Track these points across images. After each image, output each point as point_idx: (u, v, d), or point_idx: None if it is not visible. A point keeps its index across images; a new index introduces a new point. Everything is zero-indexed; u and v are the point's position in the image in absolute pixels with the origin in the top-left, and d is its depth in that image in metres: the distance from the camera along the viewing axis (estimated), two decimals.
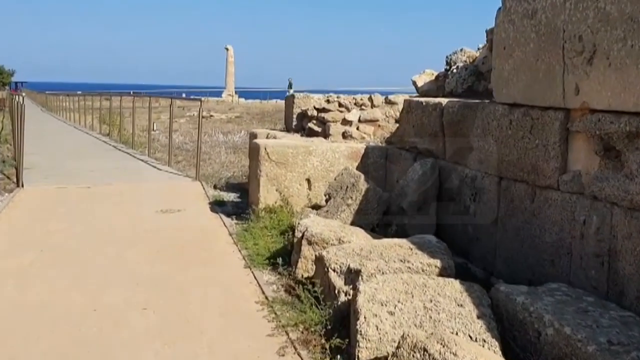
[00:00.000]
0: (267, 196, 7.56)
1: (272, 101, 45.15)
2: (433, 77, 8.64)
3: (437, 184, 6.31)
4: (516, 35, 5.03)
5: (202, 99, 41.56)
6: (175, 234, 7.18)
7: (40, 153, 14.35)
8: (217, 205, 8.85)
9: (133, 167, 12.57)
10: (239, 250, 6.51)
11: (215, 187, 10.62)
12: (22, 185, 9.94)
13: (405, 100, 7.29)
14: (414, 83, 8.81)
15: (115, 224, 7.58)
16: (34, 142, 15.53)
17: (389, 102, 8.65)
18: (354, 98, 8.85)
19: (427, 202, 6.25)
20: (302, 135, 9.12)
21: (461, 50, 7.81)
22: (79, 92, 29.97)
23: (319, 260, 4.87)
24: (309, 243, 5.43)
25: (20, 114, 11.54)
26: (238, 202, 9.28)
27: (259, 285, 5.41)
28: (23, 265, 5.89)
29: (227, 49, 49.60)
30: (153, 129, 22.45)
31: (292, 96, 9.52)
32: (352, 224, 6.24)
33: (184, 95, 44.01)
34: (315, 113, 9.03)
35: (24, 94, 33.56)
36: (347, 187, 6.48)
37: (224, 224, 7.74)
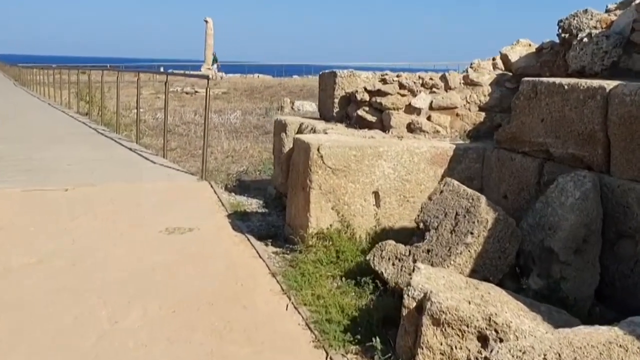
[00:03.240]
0: (320, 216, 5.38)
1: (254, 75, 43.25)
2: (533, 50, 6.45)
3: (601, 212, 4.15)
4: None
5: (181, 72, 39.12)
6: (195, 273, 4.98)
7: (5, 138, 11.96)
8: (240, 220, 6.63)
9: (120, 158, 10.24)
10: (295, 308, 4.34)
11: (226, 187, 8.40)
12: None
13: (525, 81, 5.09)
14: (504, 57, 6.62)
15: (106, 256, 5.33)
16: None
17: (470, 83, 6.45)
18: (419, 77, 6.65)
19: (588, 242, 4.10)
20: (347, 127, 6.90)
21: (585, 11, 5.62)
22: (54, 65, 27.27)
23: None
24: (437, 323, 3.27)
25: None
26: (264, 213, 7.08)
27: None
28: None
29: (206, 22, 47.26)
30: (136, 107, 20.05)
31: (333, 74, 7.28)
32: (473, 273, 4.09)
33: (162, 69, 41.72)
34: (366, 97, 6.80)
35: None
36: (456, 213, 4.31)
37: (258, 253, 5.54)
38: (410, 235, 5.37)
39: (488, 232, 4.09)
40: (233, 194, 8.02)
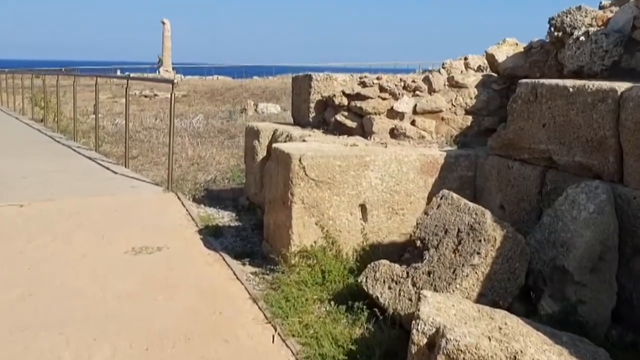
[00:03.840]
0: (302, 233, 4.93)
1: (214, 77, 42.70)
2: (521, 49, 6.11)
3: (617, 226, 3.80)
4: None
5: (137, 75, 38.23)
6: (167, 302, 4.48)
7: None
8: (212, 236, 6.15)
9: (79, 169, 9.62)
10: (283, 341, 3.89)
11: (194, 198, 7.90)
12: None
13: (523, 83, 4.72)
14: (490, 57, 6.27)
15: (67, 284, 4.80)
16: None
17: (455, 85, 6.08)
18: (401, 79, 6.26)
19: (605, 259, 3.75)
20: (325, 133, 6.47)
21: (579, 8, 5.29)
22: (6, 70, 26.22)
23: None
24: None
25: None
26: (238, 227, 6.60)
27: None
28: None
29: (163, 23, 46.46)
30: (94, 113, 19.27)
31: (308, 77, 6.84)
32: (480, 297, 3.70)
33: (118, 72, 40.79)
34: (345, 101, 6.37)
35: None
36: (458, 230, 3.91)
37: (235, 274, 5.08)
38: (400, 251, 4.98)
39: (496, 252, 3.70)
40: (202, 205, 7.53)
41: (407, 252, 4.56)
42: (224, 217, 6.96)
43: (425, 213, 4.23)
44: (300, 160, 4.88)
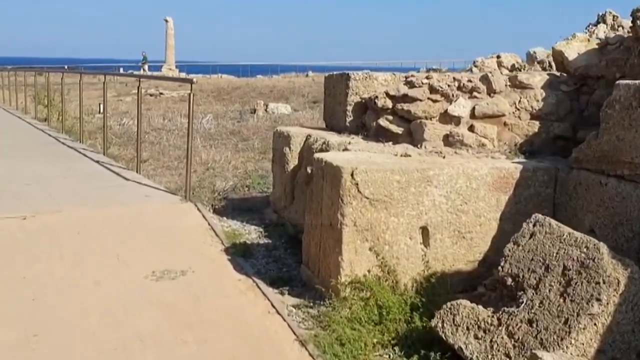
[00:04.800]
0: (354, 260, 4.19)
1: (218, 76, 42.06)
2: (594, 45, 5.36)
3: None
4: None
5: (138, 72, 37.54)
6: (199, 346, 3.74)
7: None
8: (241, 256, 5.42)
9: (87, 174, 8.86)
10: None
11: (214, 209, 7.16)
12: None
13: (623, 85, 3.96)
14: (558, 55, 5.52)
15: (77, 320, 4.06)
16: None
17: (518, 86, 5.33)
18: (454, 78, 5.52)
19: None
20: (365, 139, 5.73)
21: None
22: (9, 67, 25.47)
23: None
24: None
25: None
26: (268, 245, 5.88)
27: None
28: None
29: (166, 21, 45.84)
30: (99, 112, 18.53)
31: (344, 76, 6.09)
32: (599, 354, 2.95)
33: (121, 70, 40.16)
34: (389, 104, 5.63)
35: None
36: (563, 267, 3.17)
37: (274, 307, 4.34)
38: (467, 282, 4.26)
39: (620, 298, 2.96)
40: (224, 218, 6.79)
41: (482, 286, 3.84)
42: (251, 233, 6.23)
43: (515, 243, 3.48)
44: (352, 174, 4.13)
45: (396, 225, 4.23)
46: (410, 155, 4.88)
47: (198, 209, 6.86)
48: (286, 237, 6.03)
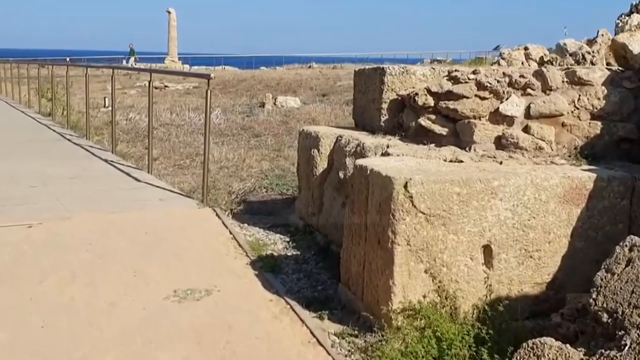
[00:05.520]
0: (407, 284, 3.67)
1: (222, 67, 41.55)
2: None
3: None
4: None
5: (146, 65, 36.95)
6: None
7: None
8: (269, 271, 4.90)
9: (96, 175, 8.33)
10: None
11: (232, 213, 6.66)
12: None
13: None
14: (620, 47, 4.98)
15: (92, 354, 3.54)
16: None
17: (577, 82, 4.79)
18: (504, 74, 4.98)
19: None
20: (402, 140, 5.20)
21: None
22: (11, 59, 24.91)
23: None
24: None
25: None
26: (297, 257, 5.38)
27: None
28: None
29: (169, 12, 45.31)
30: (105, 106, 18.00)
31: (378, 71, 5.55)
32: None
33: (123, 62, 39.62)
34: (431, 101, 5.10)
35: None
36: None
37: (314, 335, 3.82)
38: (533, 307, 3.75)
39: None
40: (245, 225, 6.30)
41: (558, 315, 3.33)
42: (277, 243, 5.73)
43: (609, 271, 2.96)
44: (406, 186, 3.61)
45: (455, 244, 3.71)
46: (462, 161, 4.36)
47: (217, 215, 6.34)
48: (315, 247, 5.53)
